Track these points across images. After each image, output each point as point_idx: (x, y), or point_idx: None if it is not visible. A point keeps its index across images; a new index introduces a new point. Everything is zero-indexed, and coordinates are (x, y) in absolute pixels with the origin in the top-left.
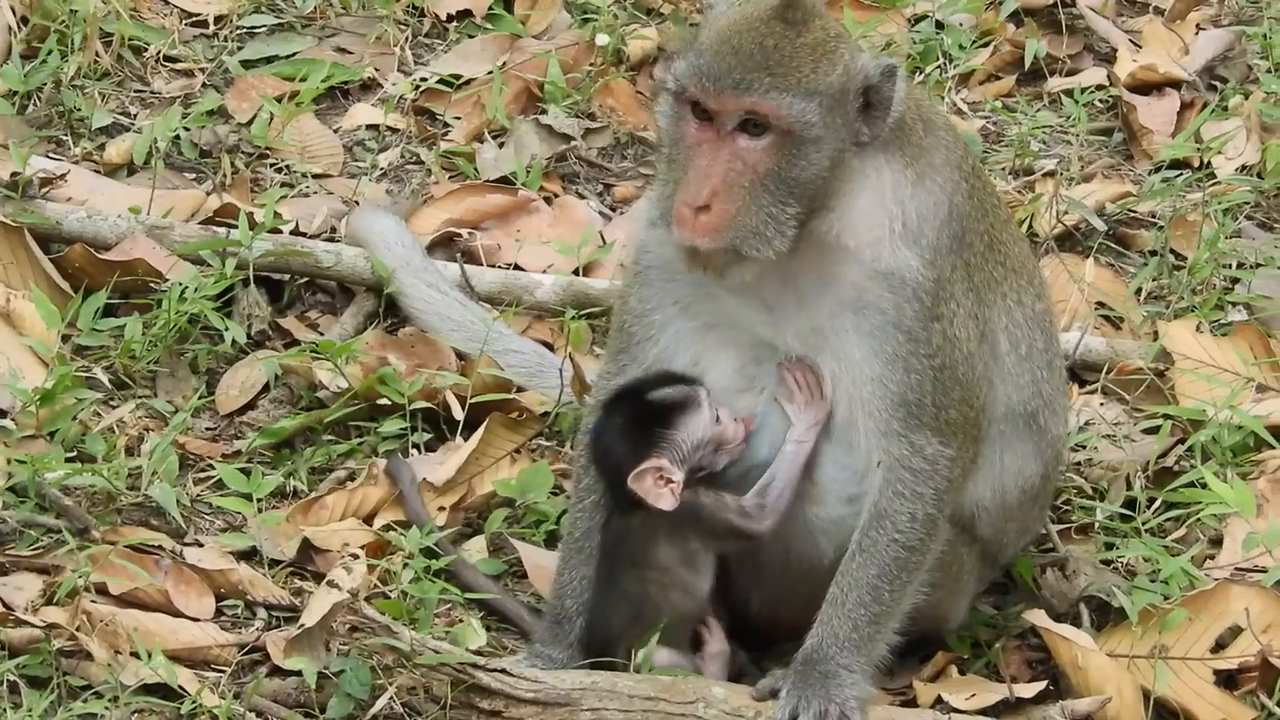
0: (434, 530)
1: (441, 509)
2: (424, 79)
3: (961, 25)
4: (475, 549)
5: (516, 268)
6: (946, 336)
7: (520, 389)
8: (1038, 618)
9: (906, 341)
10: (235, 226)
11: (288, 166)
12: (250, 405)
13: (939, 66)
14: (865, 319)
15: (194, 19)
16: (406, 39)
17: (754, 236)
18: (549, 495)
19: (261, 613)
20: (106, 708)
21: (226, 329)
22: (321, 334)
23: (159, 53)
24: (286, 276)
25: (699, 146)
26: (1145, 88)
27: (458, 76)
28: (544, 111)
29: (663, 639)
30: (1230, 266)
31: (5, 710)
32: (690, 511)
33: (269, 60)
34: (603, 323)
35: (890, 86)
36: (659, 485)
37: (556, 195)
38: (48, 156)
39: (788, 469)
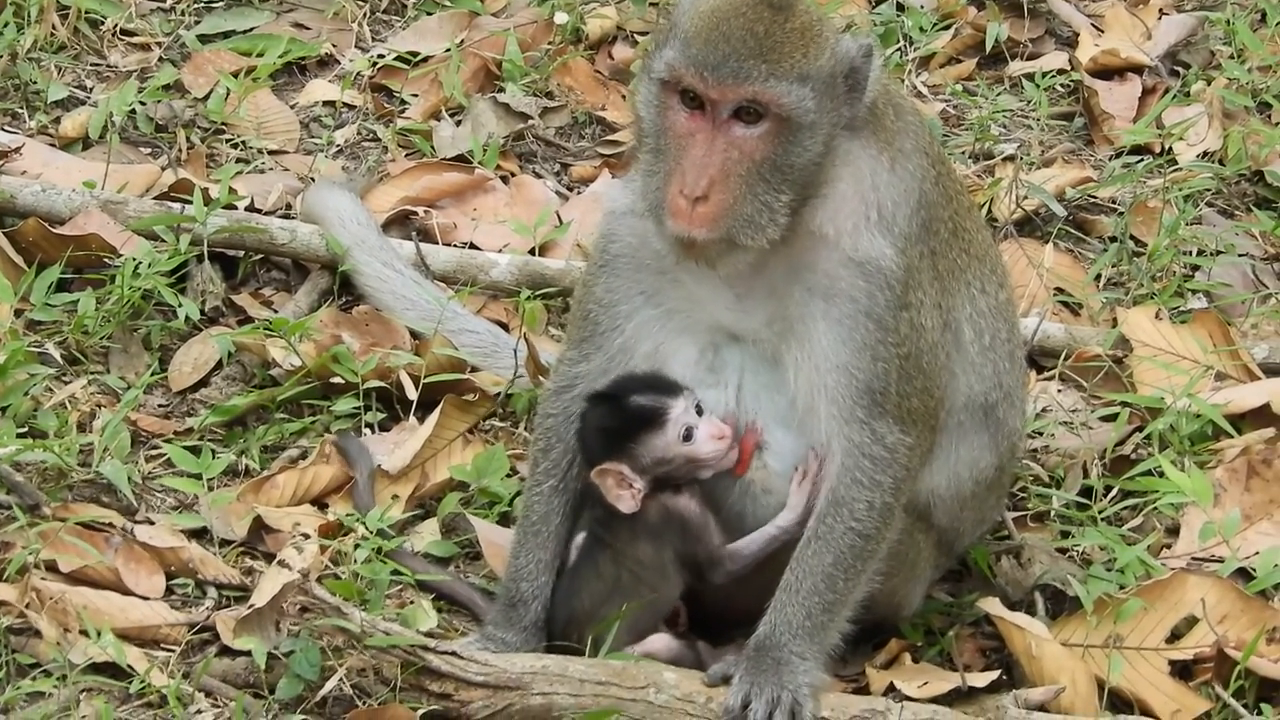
0: (382, 517)
1: (395, 497)
2: (381, 56)
3: (922, 8)
4: (428, 531)
5: (472, 247)
6: (914, 325)
7: (474, 369)
8: (992, 606)
9: (876, 329)
10: (190, 202)
11: (243, 142)
12: (203, 382)
13: (899, 49)
14: (835, 306)
15: None
16: (364, 15)
17: (749, 225)
18: (503, 478)
19: (211, 592)
20: (55, 686)
21: (180, 305)
22: (275, 311)
23: (116, 26)
24: (241, 253)
25: (692, 136)
26: (1107, 72)
27: (415, 54)
28: (502, 90)
29: (630, 625)
30: (1190, 254)
31: None
32: (677, 522)
33: (226, 35)
34: (558, 303)
35: (869, 66)
36: (619, 487)
37: (513, 174)
38: (3, 130)
39: (761, 548)
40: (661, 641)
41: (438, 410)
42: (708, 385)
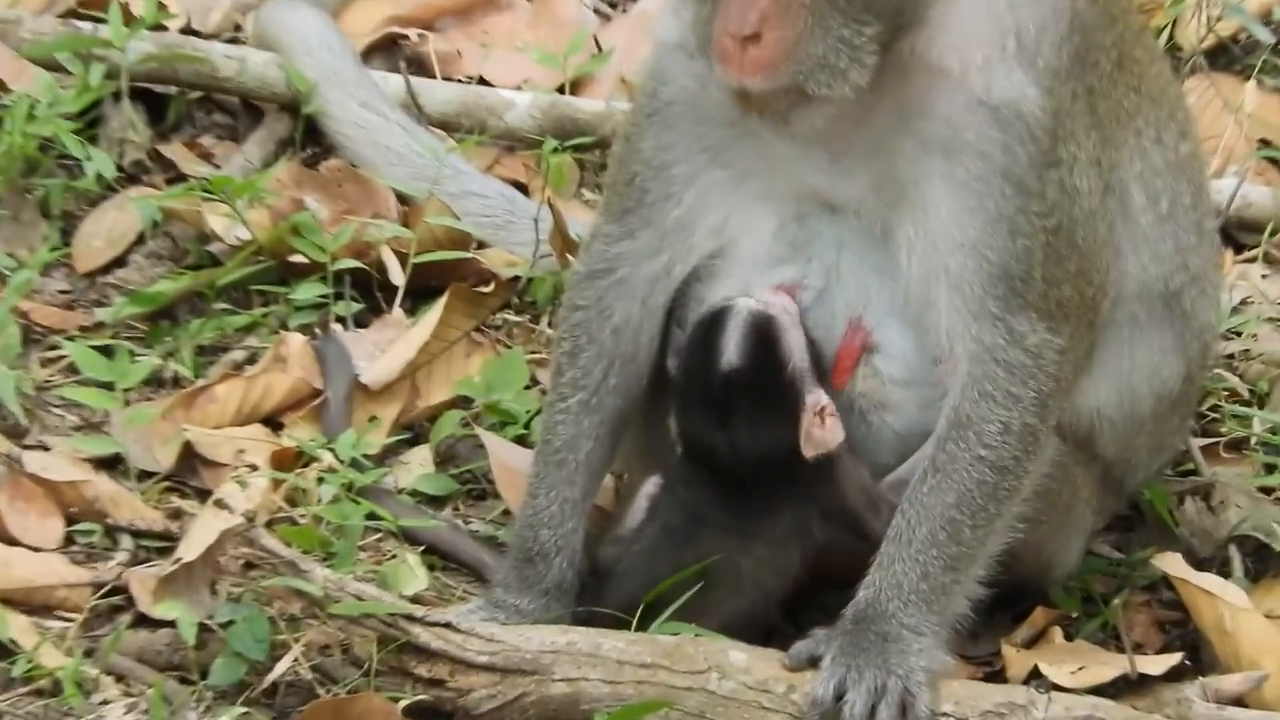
0: (357, 443)
1: (375, 418)
2: None
3: None
4: (417, 462)
5: (481, 82)
6: (1064, 189)
7: (482, 245)
8: (1173, 564)
9: (1015, 195)
10: (104, 21)
11: None
12: (118, 262)
13: None
14: (960, 165)
15: None
16: None
17: (823, 70)
18: (520, 391)
19: (126, 541)
20: None
21: (89, 159)
22: (217, 167)
23: None
24: (172, 90)
25: None
26: None
27: None
28: None
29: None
30: None
31: None
32: (825, 463)
33: None
34: (595, 158)
35: None
36: (823, 426)
37: None
38: None
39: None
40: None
41: (439, 305)
42: (788, 264)
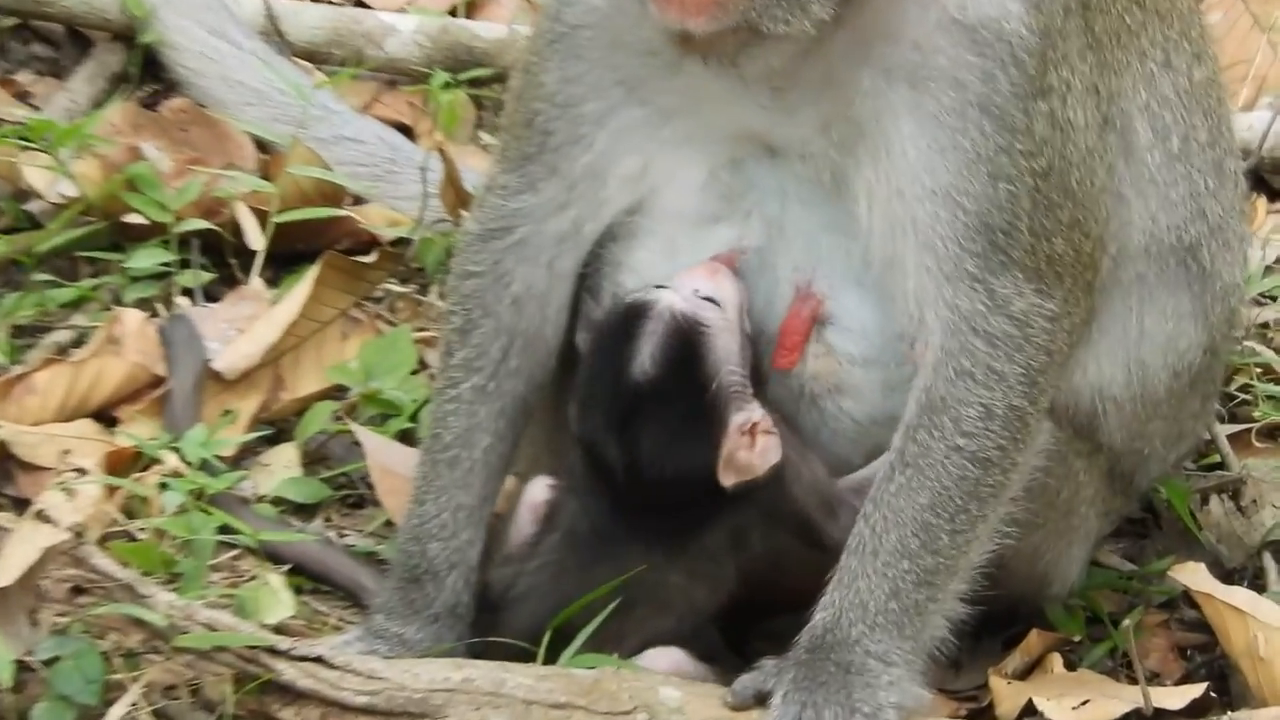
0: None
1: (229, 412)
2: None
3: None
4: (281, 464)
5: (357, 4)
6: (1055, 123)
7: (358, 200)
8: (1195, 577)
9: (996, 131)
10: None
11: None
12: None
13: None
14: (930, 96)
15: None
16: None
17: (778, 4)
18: (406, 377)
19: None
20: None
21: None
22: (37, 109)
23: None
24: None
25: None
26: None
27: None
28: None
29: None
30: None
31: None
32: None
33: None
34: (494, 94)
35: None
36: (752, 447)
37: None
38: None
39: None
40: (669, 658)
41: (307, 275)
42: (721, 221)
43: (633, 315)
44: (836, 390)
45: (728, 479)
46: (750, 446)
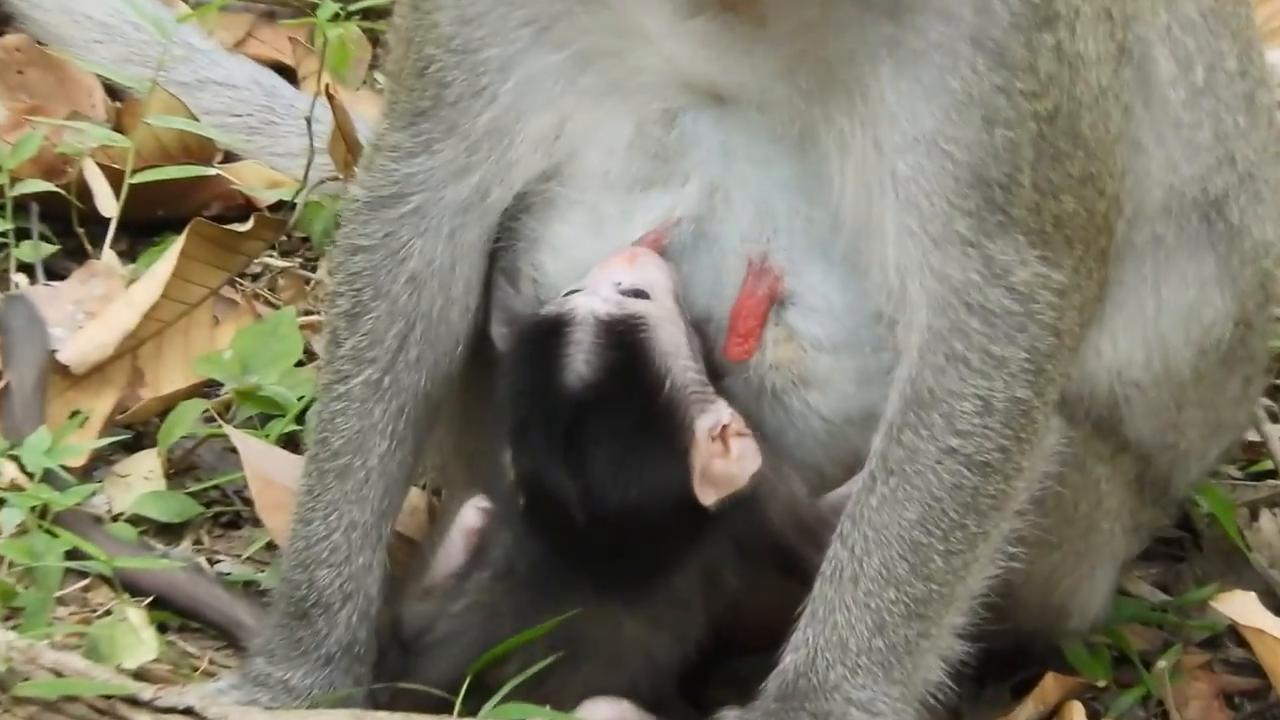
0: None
1: (78, 413)
2: None
3: None
4: (141, 474)
5: None
6: (1062, 56)
7: (231, 157)
8: (1244, 608)
9: (992, 69)
10: None
11: None
12: None
13: None
14: (915, 31)
15: None
16: None
17: None
18: (291, 369)
19: None
20: None
21: None
22: None
23: None
24: None
25: None
26: None
27: None
28: None
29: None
30: None
31: None
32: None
33: None
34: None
35: None
36: (727, 454)
37: None
38: None
39: None
40: (612, 710)
41: (171, 248)
42: (654, 186)
43: (550, 332)
44: (802, 382)
45: (707, 496)
46: (725, 454)
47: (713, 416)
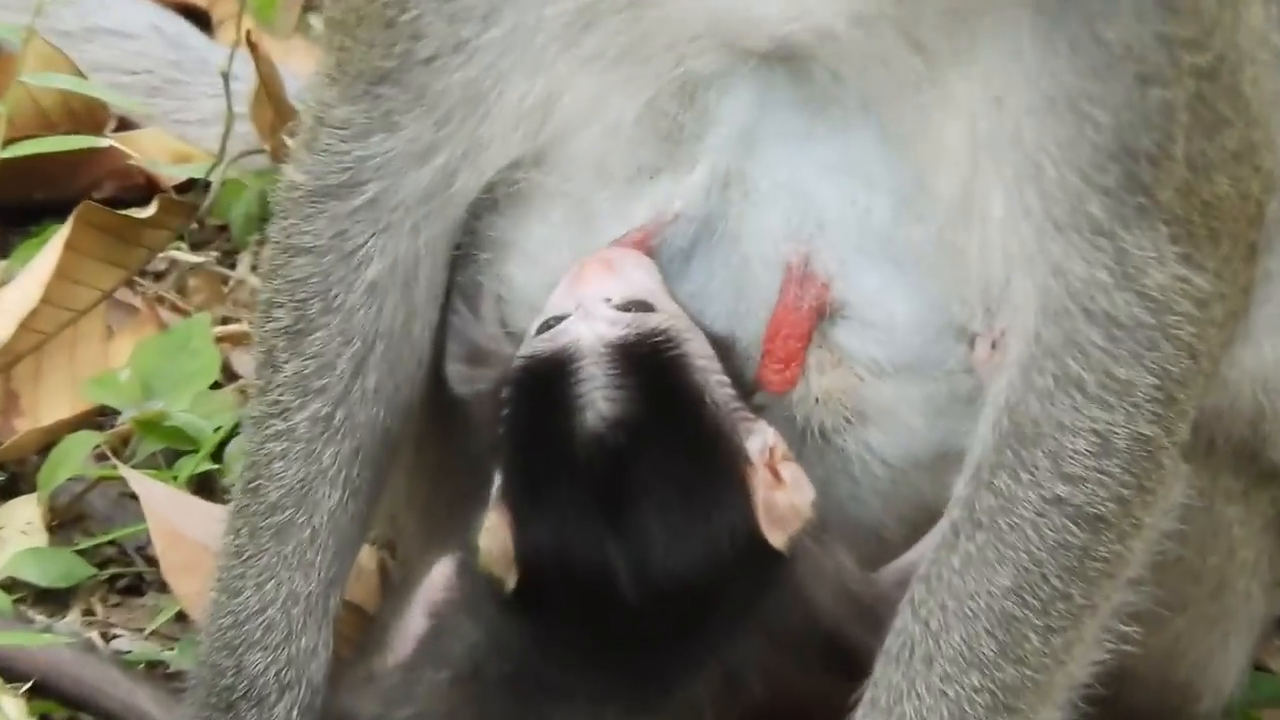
0: None
1: None
2: None
3: None
4: (18, 525)
5: None
6: (1221, 5)
7: (127, 125)
8: None
9: (1137, 21)
10: None
11: None
12: None
13: None
14: None
15: None
16: None
17: None
18: (205, 391)
19: None
20: None
21: None
22: None
23: None
24: None
25: None
26: None
27: None
28: None
29: None
30: None
31: None
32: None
33: None
34: None
35: None
36: (782, 475)
37: None
38: None
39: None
40: None
41: (55, 239)
42: (659, 175)
43: (551, 374)
44: (857, 418)
45: (777, 537)
46: (777, 484)
47: (759, 439)
